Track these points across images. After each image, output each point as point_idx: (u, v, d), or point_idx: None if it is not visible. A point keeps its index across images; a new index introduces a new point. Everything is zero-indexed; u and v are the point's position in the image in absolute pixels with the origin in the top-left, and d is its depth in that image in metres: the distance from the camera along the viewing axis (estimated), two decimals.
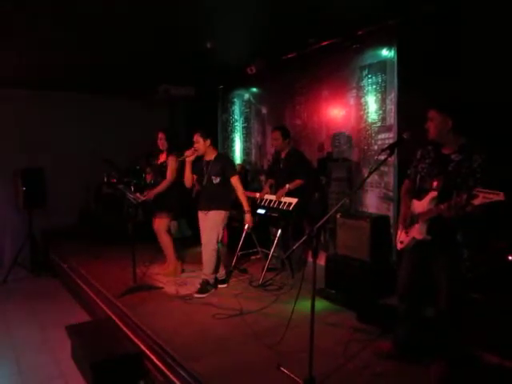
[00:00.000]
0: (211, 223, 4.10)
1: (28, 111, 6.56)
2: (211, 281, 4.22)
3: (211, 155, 4.21)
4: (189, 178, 4.31)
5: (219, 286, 4.38)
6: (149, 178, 4.96)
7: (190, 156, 4.18)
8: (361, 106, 4.66)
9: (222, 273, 4.43)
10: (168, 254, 4.85)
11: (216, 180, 4.12)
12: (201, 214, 4.25)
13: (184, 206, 4.85)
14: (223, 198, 4.13)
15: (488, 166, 2.43)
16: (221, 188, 4.13)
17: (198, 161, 4.27)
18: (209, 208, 4.14)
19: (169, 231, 4.85)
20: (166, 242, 4.79)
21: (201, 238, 4.28)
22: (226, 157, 4.28)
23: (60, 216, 6.70)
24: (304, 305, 3.10)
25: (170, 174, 4.63)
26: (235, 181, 4.14)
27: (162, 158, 4.78)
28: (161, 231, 4.76)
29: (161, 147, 4.79)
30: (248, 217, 4.17)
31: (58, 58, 4.95)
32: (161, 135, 4.76)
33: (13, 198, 6.40)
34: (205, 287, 4.17)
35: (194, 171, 4.27)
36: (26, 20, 3.69)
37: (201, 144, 4.14)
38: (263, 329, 3.39)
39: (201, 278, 4.29)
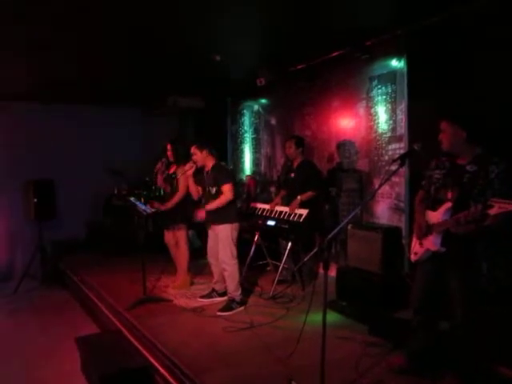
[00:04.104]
0: (222, 238, 4.06)
1: (39, 123, 6.65)
2: (237, 298, 4.11)
3: (210, 165, 4.18)
4: (193, 190, 4.34)
5: (218, 298, 4.33)
6: (160, 183, 5.02)
7: (188, 170, 4.20)
8: (371, 117, 4.67)
9: (222, 286, 4.35)
10: (181, 265, 4.86)
11: (212, 190, 4.12)
12: (210, 228, 4.26)
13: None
14: (225, 210, 4.04)
15: (507, 177, 2.42)
16: None
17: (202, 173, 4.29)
18: (213, 222, 4.12)
19: (188, 242, 4.88)
20: (183, 253, 4.81)
21: (207, 249, 4.29)
22: (220, 165, 4.19)
23: (70, 227, 6.77)
24: (315, 318, 3.09)
25: (181, 188, 4.65)
26: (226, 189, 4.00)
27: (173, 168, 4.82)
28: (182, 242, 4.79)
29: (169, 158, 4.84)
30: (199, 212, 4.13)
31: (69, 70, 5.05)
32: (168, 146, 4.83)
33: (23, 210, 6.49)
34: (229, 305, 4.07)
35: (198, 183, 4.30)
36: (28, 27, 3.70)
37: (198, 156, 4.13)
38: (274, 342, 3.37)
39: (210, 287, 4.31)
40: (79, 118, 7.00)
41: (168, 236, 4.89)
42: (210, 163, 4.17)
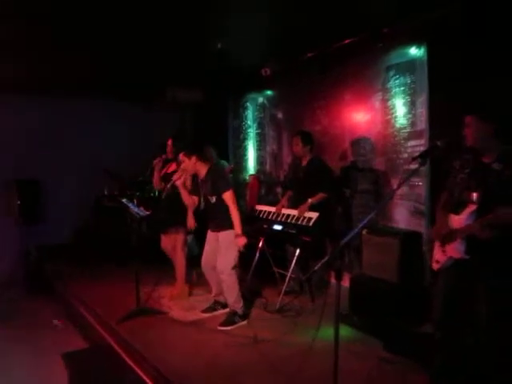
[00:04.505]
0: (224, 245, 4.03)
1: (23, 118, 6.67)
2: (239, 311, 4.09)
3: (203, 172, 4.14)
4: (188, 201, 4.30)
5: (222, 311, 4.31)
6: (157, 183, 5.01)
7: (178, 179, 4.18)
8: (388, 110, 4.65)
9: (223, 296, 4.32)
10: (178, 273, 4.86)
11: (212, 200, 4.08)
12: (211, 234, 4.23)
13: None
14: (230, 216, 4.01)
15: None
16: (222, 206, 4.02)
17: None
18: (218, 229, 4.10)
19: (187, 248, 4.88)
20: (180, 259, 4.81)
21: (203, 256, 4.27)
22: (215, 171, 4.14)
23: (57, 231, 6.77)
24: (326, 332, 3.07)
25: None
26: (227, 197, 3.96)
27: (172, 167, 4.80)
28: (178, 248, 4.79)
29: (169, 155, 4.84)
30: (240, 240, 3.94)
31: (58, 59, 5.05)
32: (169, 142, 4.83)
33: (6, 212, 6.50)
34: (231, 319, 4.05)
35: (192, 192, 4.28)
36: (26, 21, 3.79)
37: (186, 163, 4.09)
38: (280, 359, 3.35)
39: (210, 299, 4.28)
40: (68, 112, 7.01)
41: (165, 241, 4.88)
42: (202, 170, 4.13)
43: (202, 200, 4.21)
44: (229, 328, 3.97)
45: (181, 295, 4.81)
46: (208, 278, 4.33)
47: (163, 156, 4.90)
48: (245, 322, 4.08)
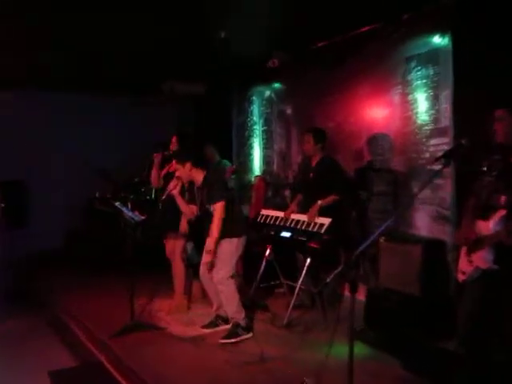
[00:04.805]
0: (223, 255, 4.06)
1: (10, 116, 6.71)
2: (242, 322, 4.11)
3: (199, 179, 4.17)
4: (186, 210, 4.34)
5: (224, 326, 4.31)
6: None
7: (174, 188, 4.21)
8: (408, 105, 4.65)
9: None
10: (177, 284, 4.88)
11: (211, 208, 4.10)
12: None
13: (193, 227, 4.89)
14: (231, 224, 4.05)
15: None
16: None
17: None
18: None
19: (185, 255, 4.91)
20: (178, 269, 4.84)
21: (201, 266, 4.25)
22: (212, 177, 4.18)
23: (44, 237, 6.81)
24: (339, 350, 3.06)
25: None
26: (216, 208, 3.98)
27: (173, 166, 4.81)
28: (177, 255, 4.82)
29: (171, 153, 4.86)
30: (206, 257, 4.02)
31: (49, 52, 5.11)
32: (174, 139, 4.88)
33: None
34: (234, 331, 4.07)
35: (189, 201, 4.30)
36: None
37: (181, 171, 4.13)
38: (288, 378, 3.34)
39: (212, 313, 4.31)
40: (58, 107, 7.07)
41: (170, 248, 4.90)
42: (199, 177, 4.15)
43: (199, 208, 4.23)
44: (232, 340, 3.99)
45: (179, 308, 4.83)
46: (206, 288, 4.35)
47: (165, 153, 4.92)
48: (249, 335, 4.10)
